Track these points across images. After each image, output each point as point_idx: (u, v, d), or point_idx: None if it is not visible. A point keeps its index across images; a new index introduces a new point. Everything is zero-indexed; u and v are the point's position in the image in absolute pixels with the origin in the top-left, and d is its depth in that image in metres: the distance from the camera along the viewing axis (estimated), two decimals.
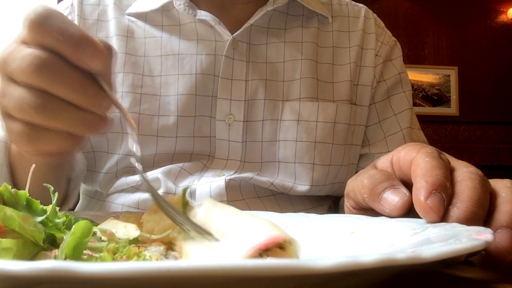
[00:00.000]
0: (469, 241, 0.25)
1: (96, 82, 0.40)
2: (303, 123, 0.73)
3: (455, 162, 0.40)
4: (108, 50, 0.39)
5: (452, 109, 3.86)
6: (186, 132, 0.72)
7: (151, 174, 0.70)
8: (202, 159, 0.72)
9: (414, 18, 3.87)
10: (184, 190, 0.37)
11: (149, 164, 0.72)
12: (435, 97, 3.86)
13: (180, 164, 0.70)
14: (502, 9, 3.97)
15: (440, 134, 3.85)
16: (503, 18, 3.97)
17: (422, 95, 3.84)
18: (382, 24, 0.85)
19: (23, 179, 0.62)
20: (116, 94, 0.43)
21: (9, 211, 0.29)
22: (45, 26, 0.37)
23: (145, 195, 0.69)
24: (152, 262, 0.16)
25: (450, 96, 3.87)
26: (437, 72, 3.86)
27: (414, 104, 3.74)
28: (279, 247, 0.26)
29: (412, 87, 4.08)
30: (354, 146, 0.77)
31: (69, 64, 0.38)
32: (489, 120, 3.87)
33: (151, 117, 0.71)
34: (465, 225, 0.31)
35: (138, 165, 0.39)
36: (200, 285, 0.17)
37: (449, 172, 0.37)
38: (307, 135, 0.73)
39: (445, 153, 0.42)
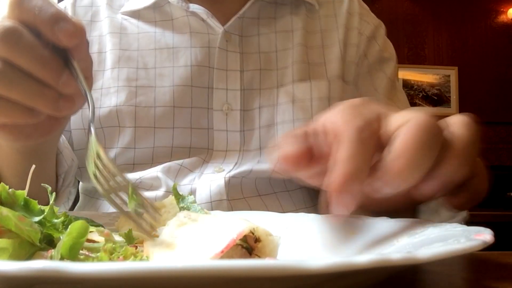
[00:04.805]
0: (467, 241, 0.25)
1: (62, 60, 0.42)
2: (298, 103, 0.74)
3: (396, 119, 0.35)
4: (80, 28, 0.42)
5: (452, 109, 3.86)
6: (183, 123, 0.72)
7: (151, 173, 0.70)
8: (201, 153, 0.72)
9: (414, 18, 3.87)
10: (174, 186, 0.39)
11: (148, 159, 0.71)
12: (435, 97, 3.85)
13: (180, 161, 0.70)
14: (502, 9, 3.97)
15: None
16: (503, 18, 3.97)
17: (422, 95, 3.83)
18: (367, 7, 0.87)
19: None
20: (86, 78, 0.44)
21: (5, 211, 0.29)
22: (24, 3, 0.41)
23: (144, 194, 0.69)
24: (145, 262, 0.16)
25: (450, 96, 3.86)
26: (437, 72, 3.86)
27: (414, 104, 3.74)
28: (256, 240, 0.27)
29: (412, 87, 4.02)
30: None
31: (40, 40, 0.41)
32: (489, 120, 3.87)
33: (147, 108, 0.72)
34: (465, 226, 0.31)
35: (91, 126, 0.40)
36: (193, 285, 0.17)
37: (374, 149, 0.34)
38: (303, 113, 0.73)
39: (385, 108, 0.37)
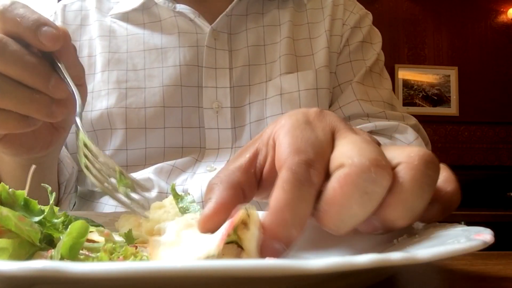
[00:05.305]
0: (467, 241, 0.25)
1: (50, 65, 0.43)
2: (286, 95, 0.74)
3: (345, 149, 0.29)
4: (63, 31, 0.42)
5: (452, 109, 3.86)
6: (174, 123, 0.72)
7: (142, 174, 0.70)
8: (193, 153, 0.72)
9: (414, 18, 3.87)
10: (173, 186, 0.39)
11: (141, 160, 0.71)
12: (435, 97, 3.85)
13: (172, 162, 0.70)
14: (502, 9, 3.97)
15: (440, 134, 3.84)
16: (503, 18, 3.97)
17: (422, 95, 3.83)
18: None
19: None
20: (73, 81, 0.44)
21: (5, 211, 0.29)
22: (7, 12, 0.41)
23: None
24: (144, 262, 0.16)
25: (450, 96, 3.86)
26: (437, 72, 3.86)
27: (414, 104, 3.74)
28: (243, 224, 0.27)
29: (412, 87, 4.00)
30: (338, 112, 0.77)
31: (26, 47, 0.42)
32: (489, 120, 3.87)
33: (137, 109, 0.72)
34: (465, 226, 0.31)
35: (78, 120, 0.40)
36: (193, 285, 0.17)
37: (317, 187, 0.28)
38: (291, 105, 0.73)
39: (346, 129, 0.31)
